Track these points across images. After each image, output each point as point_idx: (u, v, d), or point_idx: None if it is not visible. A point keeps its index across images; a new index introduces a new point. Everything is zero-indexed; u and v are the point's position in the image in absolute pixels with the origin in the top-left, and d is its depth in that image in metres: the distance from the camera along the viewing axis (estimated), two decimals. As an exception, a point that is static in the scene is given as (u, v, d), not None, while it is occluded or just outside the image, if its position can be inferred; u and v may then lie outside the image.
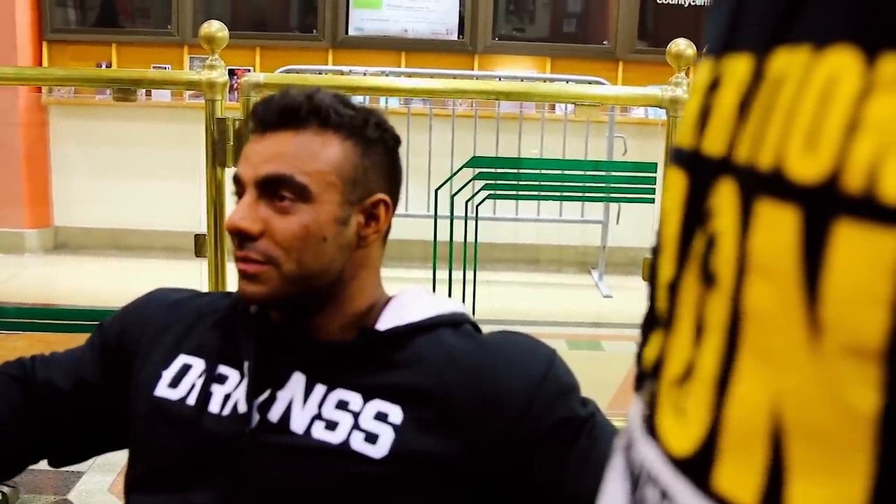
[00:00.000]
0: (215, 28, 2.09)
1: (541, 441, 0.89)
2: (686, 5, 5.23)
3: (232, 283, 1.05)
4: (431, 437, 0.89)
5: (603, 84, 4.65)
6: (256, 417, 0.91)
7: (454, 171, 2.68)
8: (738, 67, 0.28)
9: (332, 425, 0.90)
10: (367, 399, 0.91)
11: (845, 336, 0.22)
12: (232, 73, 4.69)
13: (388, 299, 1.01)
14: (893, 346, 0.21)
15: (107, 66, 5.19)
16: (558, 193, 2.78)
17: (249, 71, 4.94)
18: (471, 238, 2.71)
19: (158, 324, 1.04)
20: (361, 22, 5.27)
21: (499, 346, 0.96)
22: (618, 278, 4.78)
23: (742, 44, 0.28)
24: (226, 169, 2.08)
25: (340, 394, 0.91)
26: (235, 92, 4.29)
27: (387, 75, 4.64)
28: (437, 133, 4.81)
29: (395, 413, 0.90)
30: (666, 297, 0.30)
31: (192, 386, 0.96)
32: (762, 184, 0.25)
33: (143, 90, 4.38)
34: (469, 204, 2.69)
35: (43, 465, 1.09)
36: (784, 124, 0.24)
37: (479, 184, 2.58)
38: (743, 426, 0.25)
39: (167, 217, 4.98)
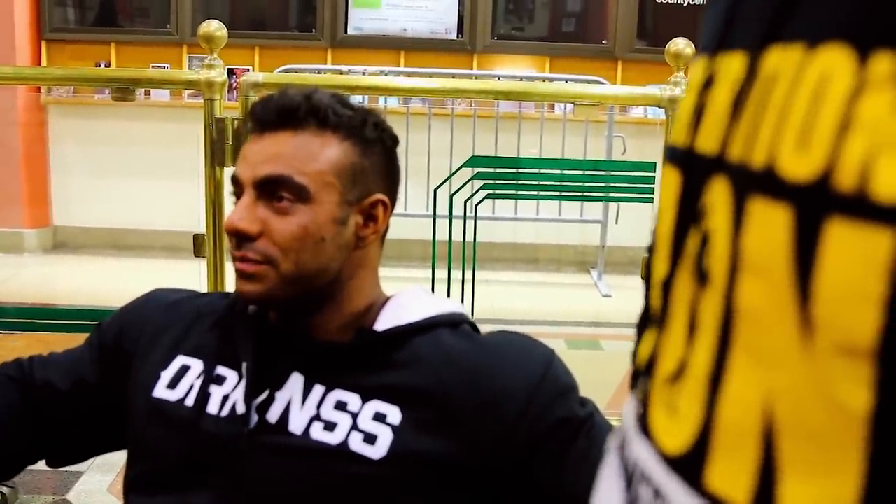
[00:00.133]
0: (214, 27, 2.09)
1: (539, 441, 0.89)
2: (685, 4, 5.23)
3: (231, 283, 1.05)
4: (430, 438, 0.89)
5: (602, 83, 4.65)
6: (255, 418, 0.91)
7: (453, 171, 2.68)
8: (732, 65, 0.28)
9: (330, 426, 0.90)
10: (365, 400, 0.91)
11: (837, 335, 0.22)
12: (231, 72, 4.69)
13: (387, 299, 1.01)
14: (885, 345, 0.21)
15: (106, 66, 5.19)
16: (557, 193, 2.78)
17: (248, 70, 4.94)
18: (470, 237, 2.71)
19: (157, 324, 1.04)
20: (360, 21, 5.27)
21: (497, 346, 0.96)
22: (617, 278, 4.78)
23: (736, 42, 0.28)
24: (224, 168, 2.08)
25: (339, 394, 0.91)
26: (234, 91, 4.29)
27: (386, 75, 4.64)
28: (435, 132, 4.81)
29: (394, 413, 0.90)
30: (660, 295, 0.30)
31: (191, 387, 0.96)
32: (755, 182, 0.25)
33: (142, 90, 4.38)
34: (468, 203, 2.69)
35: (42, 465, 1.09)
36: (777, 123, 0.24)
37: (478, 183, 2.58)
38: (735, 424, 0.25)
39: (166, 217, 4.98)
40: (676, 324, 0.28)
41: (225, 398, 0.94)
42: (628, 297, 4.33)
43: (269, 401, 0.92)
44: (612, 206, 4.72)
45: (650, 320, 0.31)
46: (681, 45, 2.11)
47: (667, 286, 0.30)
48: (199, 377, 0.97)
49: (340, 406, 0.90)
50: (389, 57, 5.25)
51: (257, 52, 5.24)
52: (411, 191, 3.88)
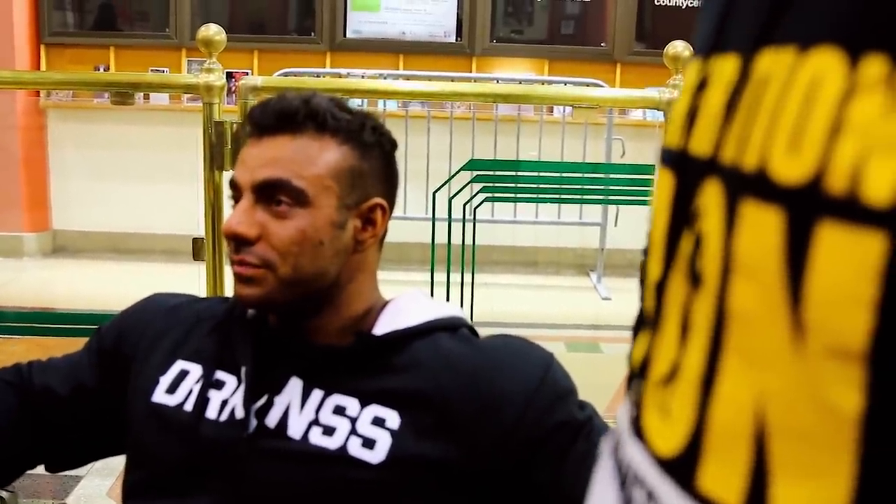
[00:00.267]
0: (213, 31, 2.09)
1: (538, 445, 0.89)
2: (683, 7, 5.24)
3: (230, 287, 1.05)
4: (429, 442, 0.89)
5: (601, 86, 4.65)
6: (254, 423, 0.91)
7: (452, 174, 2.68)
8: (726, 68, 0.28)
9: (329, 431, 0.89)
10: (364, 404, 0.90)
11: (829, 337, 0.22)
12: (230, 76, 4.70)
13: (385, 303, 1.00)
14: (876, 348, 0.21)
15: (105, 70, 5.19)
16: (556, 195, 2.79)
17: (247, 74, 4.94)
18: (469, 241, 2.71)
19: (156, 329, 1.04)
20: (359, 24, 5.27)
21: (496, 349, 0.96)
22: (616, 280, 4.78)
23: (729, 44, 0.28)
24: (224, 172, 2.08)
25: (337, 399, 0.91)
26: (233, 95, 4.29)
27: (385, 78, 4.64)
28: (434, 136, 4.82)
29: (393, 418, 0.89)
30: (653, 296, 0.30)
31: (190, 392, 0.96)
32: (747, 184, 0.25)
33: (141, 93, 4.39)
34: (467, 206, 2.69)
35: (41, 469, 1.09)
36: (769, 125, 0.24)
37: (478, 186, 2.59)
38: (727, 427, 0.25)
39: (165, 220, 4.98)
40: (669, 326, 0.28)
41: (224, 403, 0.94)
42: (628, 299, 4.33)
43: (268, 405, 0.92)
44: (612, 208, 4.72)
45: (644, 322, 0.31)
46: (679, 47, 2.11)
47: (660, 288, 0.30)
48: (198, 382, 0.97)
49: (339, 410, 0.90)
50: (388, 60, 5.25)
51: (256, 56, 5.25)
52: (410, 194, 3.87)
